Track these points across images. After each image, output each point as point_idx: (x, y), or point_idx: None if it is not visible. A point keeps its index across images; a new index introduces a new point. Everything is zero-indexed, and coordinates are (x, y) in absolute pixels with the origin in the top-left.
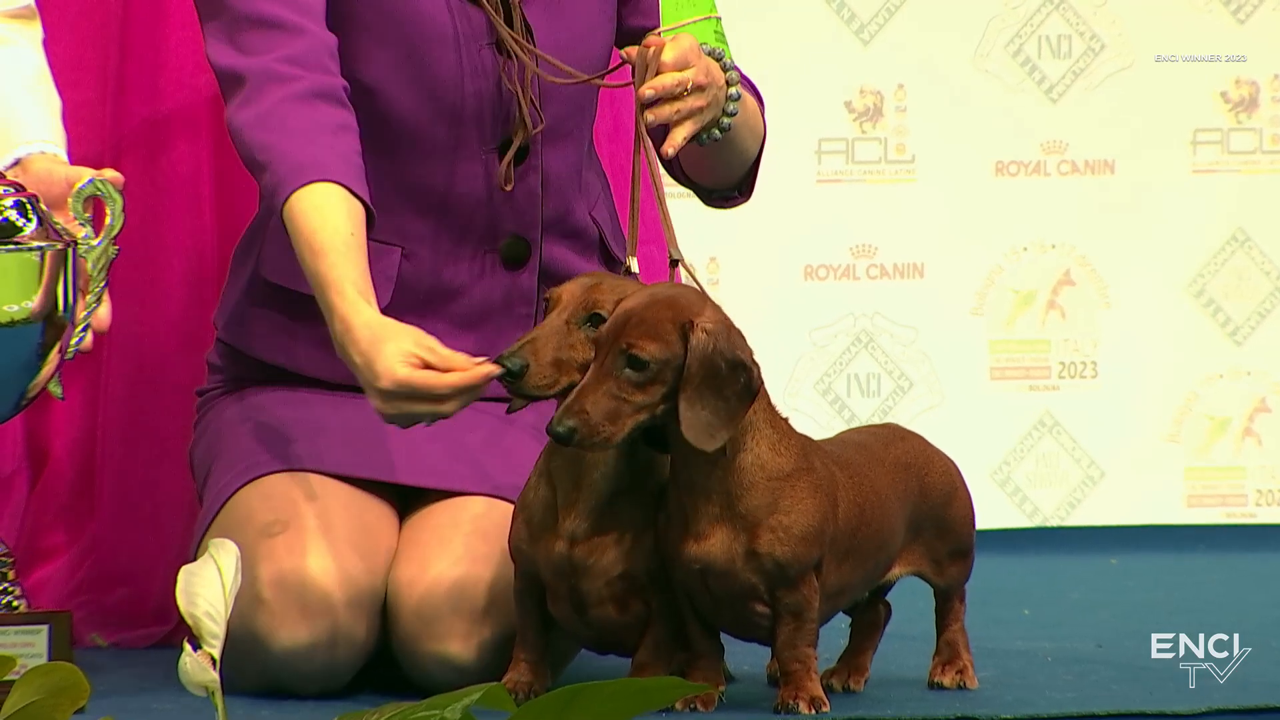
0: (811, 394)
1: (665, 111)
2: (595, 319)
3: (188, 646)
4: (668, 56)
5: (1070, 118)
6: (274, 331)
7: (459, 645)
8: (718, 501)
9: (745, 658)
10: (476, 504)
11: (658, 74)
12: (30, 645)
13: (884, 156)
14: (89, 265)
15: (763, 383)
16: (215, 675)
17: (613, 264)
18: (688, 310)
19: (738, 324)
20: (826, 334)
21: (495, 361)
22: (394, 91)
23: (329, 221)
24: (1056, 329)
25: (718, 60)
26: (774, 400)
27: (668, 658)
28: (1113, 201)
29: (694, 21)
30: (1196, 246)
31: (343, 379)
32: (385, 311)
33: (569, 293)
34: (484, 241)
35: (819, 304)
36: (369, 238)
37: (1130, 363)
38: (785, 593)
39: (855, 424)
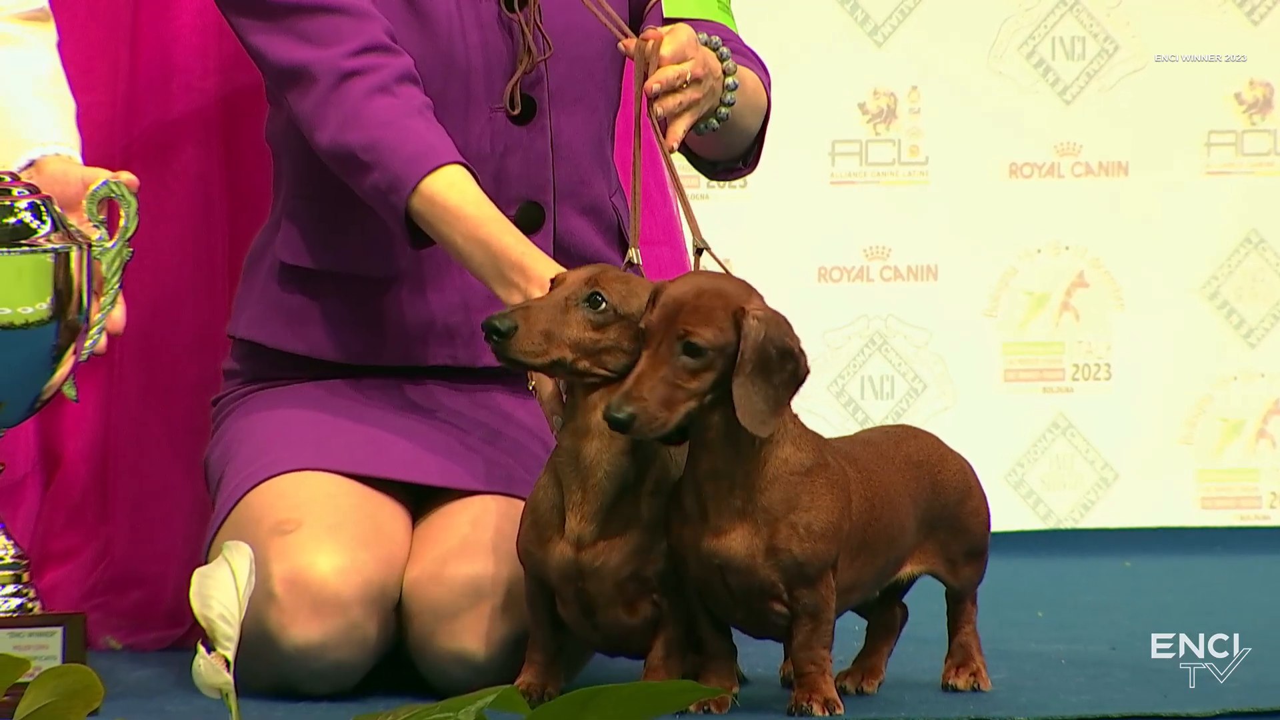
0: (825, 396)
1: (669, 104)
2: (594, 299)
3: (201, 649)
4: (666, 50)
5: (1084, 119)
6: (292, 317)
7: (474, 642)
8: (740, 495)
9: (759, 659)
10: (490, 502)
11: (658, 67)
12: (44, 647)
13: (897, 158)
14: (103, 267)
15: (809, 371)
16: (229, 677)
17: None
18: (738, 298)
19: None
20: (840, 336)
21: (484, 323)
22: (405, 50)
23: (469, 198)
24: (1070, 331)
25: (714, 50)
26: None
27: (680, 660)
28: (1126, 203)
29: None
30: (1210, 248)
31: (363, 360)
32: (404, 276)
33: (574, 276)
34: (499, 206)
35: (832, 306)
36: None
37: (1144, 365)
38: (804, 592)
39: (869, 425)
